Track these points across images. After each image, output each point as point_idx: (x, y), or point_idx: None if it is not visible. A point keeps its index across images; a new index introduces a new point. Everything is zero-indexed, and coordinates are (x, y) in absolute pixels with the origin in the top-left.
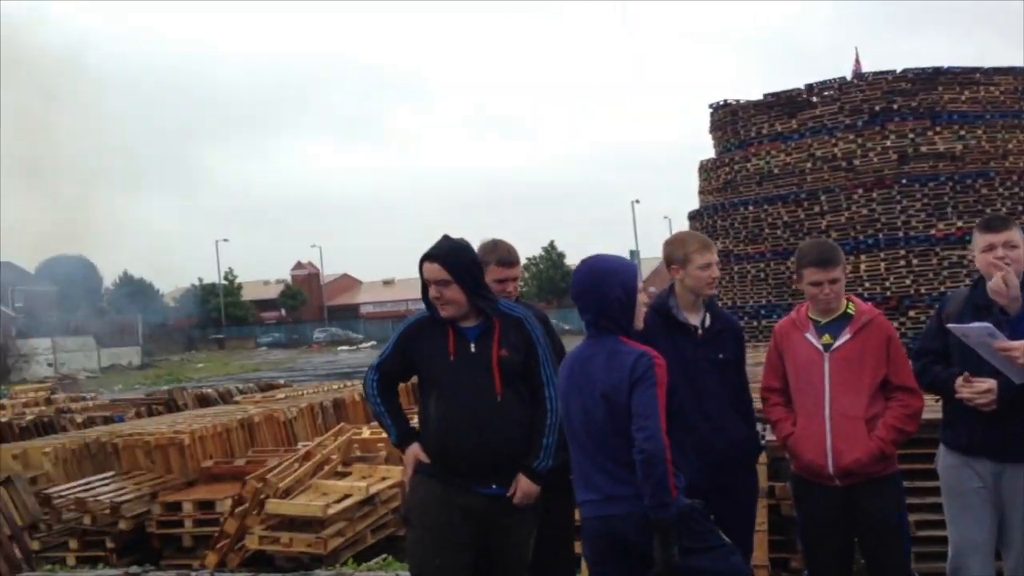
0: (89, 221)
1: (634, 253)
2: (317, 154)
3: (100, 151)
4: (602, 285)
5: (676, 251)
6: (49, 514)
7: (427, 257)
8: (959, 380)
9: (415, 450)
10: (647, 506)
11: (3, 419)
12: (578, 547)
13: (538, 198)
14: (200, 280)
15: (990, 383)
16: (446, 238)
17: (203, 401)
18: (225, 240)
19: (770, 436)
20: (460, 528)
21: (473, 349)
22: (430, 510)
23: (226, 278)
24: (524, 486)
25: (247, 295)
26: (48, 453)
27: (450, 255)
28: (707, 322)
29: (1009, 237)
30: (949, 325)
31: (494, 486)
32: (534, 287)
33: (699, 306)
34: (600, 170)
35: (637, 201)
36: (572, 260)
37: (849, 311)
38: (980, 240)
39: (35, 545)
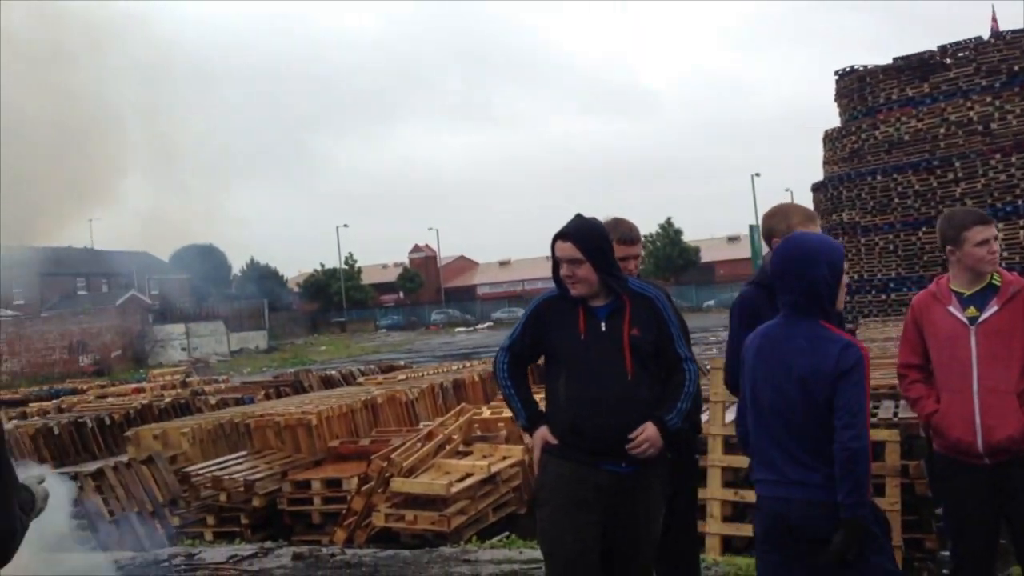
0: (217, 211)
1: (754, 228)
2: (431, 137)
3: (224, 143)
4: (809, 265)
5: (778, 224)
6: (188, 491)
7: (559, 236)
8: None
9: (543, 432)
10: (841, 503)
11: (144, 401)
12: (703, 526)
13: (655, 174)
14: (322, 265)
15: None
16: (578, 217)
17: (327, 383)
18: (345, 226)
19: (904, 413)
20: (591, 506)
21: (603, 328)
22: (561, 489)
23: (346, 262)
24: (650, 432)
25: (367, 279)
26: (186, 433)
27: (582, 234)
28: None
29: None
30: None
31: (624, 464)
32: (651, 265)
33: None
34: (718, 143)
35: (757, 174)
36: (690, 237)
37: (995, 282)
38: None
39: (175, 521)
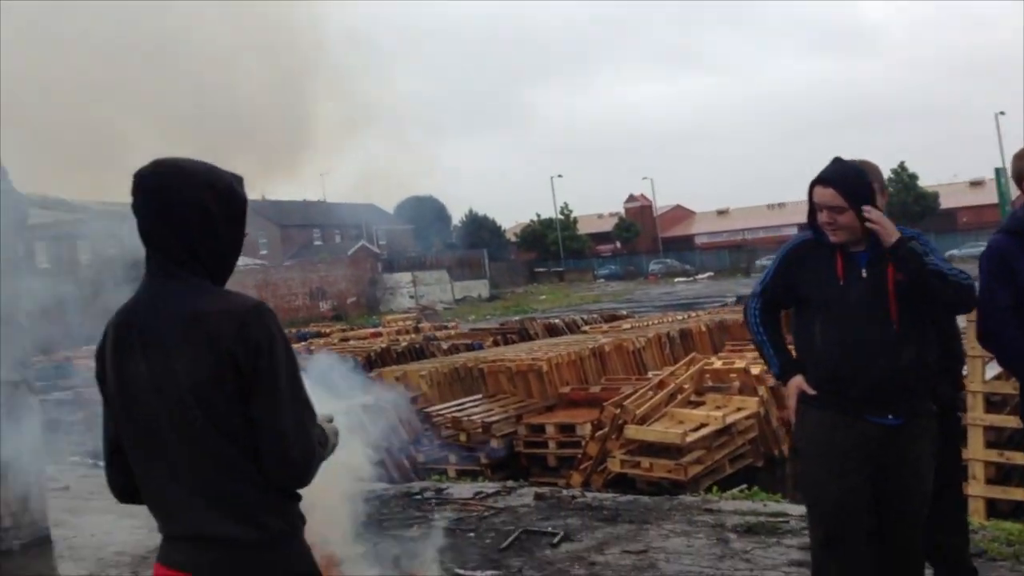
0: (437, 164)
1: (1000, 171)
2: (643, 86)
3: (443, 98)
4: None
5: None
6: (429, 430)
7: (819, 181)
8: None
9: (799, 381)
10: None
11: (382, 345)
12: (964, 488)
13: (883, 116)
14: (538, 215)
15: None
16: (838, 161)
17: (552, 331)
18: (559, 176)
19: None
20: (854, 456)
21: (864, 274)
22: (821, 440)
23: (562, 212)
24: (889, 221)
25: (582, 229)
26: (424, 376)
27: (845, 180)
28: None
29: None
30: None
31: (890, 416)
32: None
33: None
34: (954, 81)
35: (1002, 113)
36: (926, 182)
37: None
38: None
39: (419, 458)
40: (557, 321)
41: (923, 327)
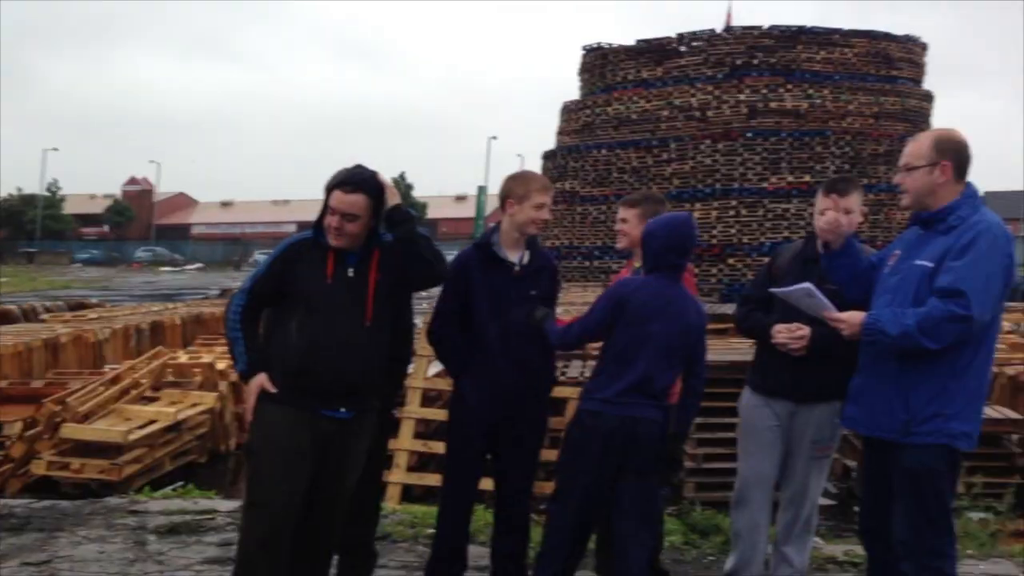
0: None
1: (483, 189)
2: (160, 68)
3: None
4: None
5: (518, 187)
6: None
7: (346, 186)
8: (777, 326)
9: (262, 379)
10: None
11: None
12: (387, 475)
13: (391, 127)
14: (19, 190)
15: (806, 330)
16: (360, 167)
17: (5, 318)
18: (54, 149)
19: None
20: (307, 453)
21: (351, 273)
22: (278, 437)
23: (49, 189)
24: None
25: (70, 208)
26: None
27: (374, 190)
28: (525, 260)
29: (848, 204)
30: (772, 290)
31: (342, 409)
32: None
33: (521, 244)
34: (458, 104)
35: (495, 138)
36: (421, 192)
37: None
38: (820, 202)
39: None
40: (12, 307)
41: (388, 328)
